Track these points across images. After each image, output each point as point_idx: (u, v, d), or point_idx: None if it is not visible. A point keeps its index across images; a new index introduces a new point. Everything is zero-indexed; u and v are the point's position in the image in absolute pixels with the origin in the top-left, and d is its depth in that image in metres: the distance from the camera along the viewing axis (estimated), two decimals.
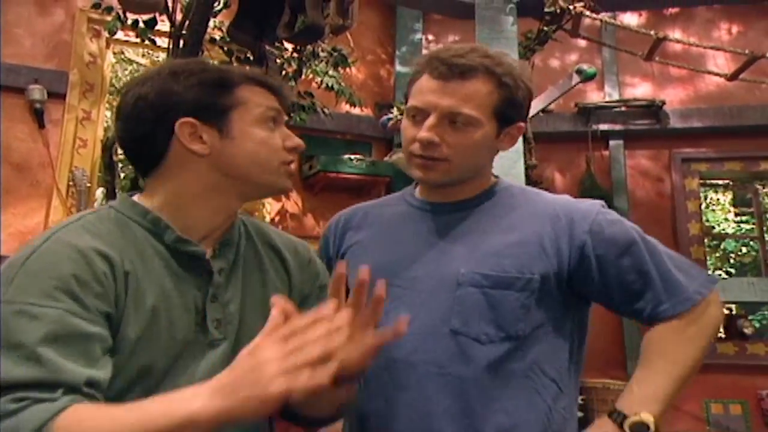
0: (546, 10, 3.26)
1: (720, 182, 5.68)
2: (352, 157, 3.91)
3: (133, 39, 3.51)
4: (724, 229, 7.18)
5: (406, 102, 1.18)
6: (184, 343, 0.91)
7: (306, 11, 2.02)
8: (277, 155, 0.99)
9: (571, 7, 3.20)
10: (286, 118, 1.05)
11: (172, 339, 0.90)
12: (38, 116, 3.42)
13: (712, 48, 3.75)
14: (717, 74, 3.69)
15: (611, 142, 4.37)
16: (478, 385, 1.05)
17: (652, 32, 3.33)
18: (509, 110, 1.13)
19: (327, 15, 2.12)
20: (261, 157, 0.98)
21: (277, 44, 2.79)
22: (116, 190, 3.62)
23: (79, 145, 3.50)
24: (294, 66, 3.32)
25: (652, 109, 4.26)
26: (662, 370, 1.08)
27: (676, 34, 4.13)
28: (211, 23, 2.86)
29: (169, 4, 2.87)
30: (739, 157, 4.30)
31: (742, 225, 7.16)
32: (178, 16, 2.90)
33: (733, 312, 4.82)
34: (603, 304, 1.16)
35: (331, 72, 3.48)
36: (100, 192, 3.65)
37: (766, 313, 6.46)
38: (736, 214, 7.26)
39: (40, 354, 0.75)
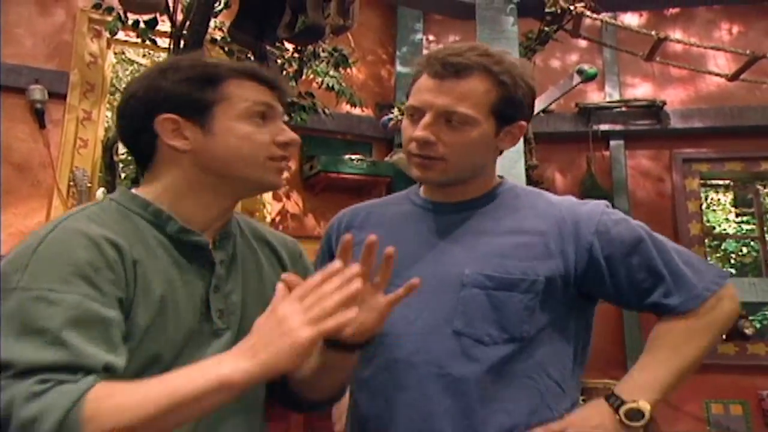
0: (547, 10, 3.26)
1: (721, 182, 5.69)
2: (353, 157, 3.91)
3: (134, 39, 3.51)
4: (724, 230, 7.18)
5: None
6: (190, 333, 0.92)
7: (307, 11, 2.02)
8: (263, 150, 0.98)
9: (571, 7, 3.20)
10: (282, 111, 1.03)
11: (179, 328, 0.91)
12: (39, 116, 3.42)
13: (712, 48, 3.75)
14: (718, 74, 3.69)
15: (612, 143, 4.37)
16: (480, 385, 1.05)
17: (652, 32, 3.33)
18: (508, 109, 1.12)
19: (327, 15, 2.12)
20: (243, 152, 0.97)
21: (277, 44, 2.80)
22: None
23: (79, 145, 3.50)
24: (295, 66, 3.32)
25: (653, 110, 4.25)
26: (665, 360, 1.08)
27: (676, 34, 4.12)
28: (211, 23, 2.86)
29: (170, 5, 2.88)
30: (739, 157, 4.29)
31: (743, 225, 7.15)
32: (179, 17, 2.90)
33: None
34: (614, 302, 1.16)
35: (331, 72, 3.49)
36: (100, 192, 3.65)
37: (766, 313, 6.46)
38: (737, 215, 7.26)
39: (63, 338, 0.76)
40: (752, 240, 6.49)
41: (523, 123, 1.16)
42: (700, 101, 4.36)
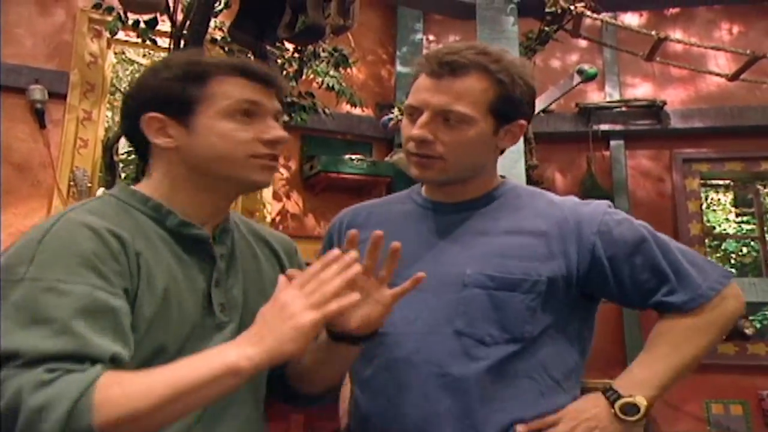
0: (547, 10, 3.26)
1: (721, 182, 5.69)
2: (353, 157, 3.91)
3: (134, 39, 3.51)
4: (724, 230, 7.18)
5: None
6: (193, 326, 0.93)
7: (307, 11, 2.02)
8: (245, 148, 0.97)
9: (572, 7, 3.20)
10: (273, 107, 1.01)
11: (183, 320, 0.92)
12: (39, 116, 3.42)
13: (713, 48, 3.75)
14: (718, 74, 3.69)
15: (612, 143, 4.36)
16: (480, 385, 1.05)
17: (653, 32, 3.33)
18: (506, 107, 1.12)
19: (328, 15, 2.12)
20: (224, 150, 0.97)
21: (277, 44, 2.79)
22: None
23: (79, 145, 3.50)
24: (295, 66, 3.32)
25: (653, 110, 4.25)
26: (665, 356, 1.09)
27: (677, 34, 4.12)
28: (212, 23, 2.86)
29: (170, 4, 2.87)
30: (740, 157, 4.29)
31: (743, 225, 7.14)
32: (179, 16, 2.90)
33: None
34: (618, 302, 1.17)
35: (331, 72, 3.48)
36: (100, 192, 3.66)
37: (766, 313, 6.45)
38: (737, 215, 7.25)
39: (72, 327, 0.77)
40: (752, 240, 6.49)
41: (523, 122, 1.16)
42: (700, 101, 4.36)
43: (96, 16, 3.49)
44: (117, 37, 3.38)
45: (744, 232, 7.08)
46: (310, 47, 3.26)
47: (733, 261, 7.09)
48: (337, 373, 1.10)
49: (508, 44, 3.00)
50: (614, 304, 1.19)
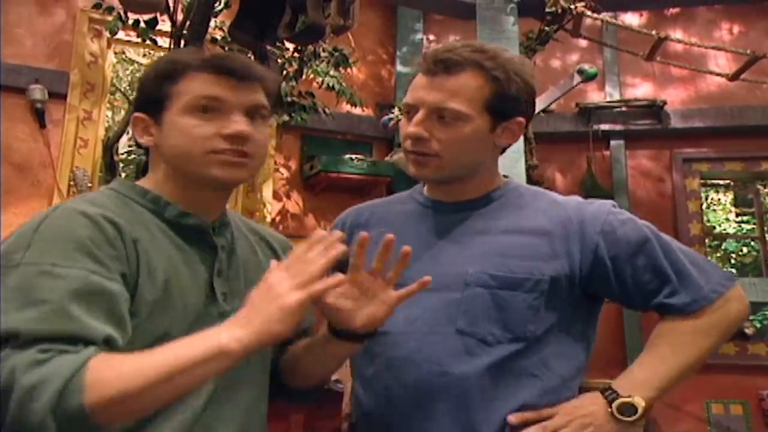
0: (547, 10, 3.26)
1: (721, 182, 5.68)
2: (353, 157, 3.91)
3: (135, 39, 3.51)
4: (725, 230, 7.18)
5: None
6: (196, 314, 0.94)
7: (307, 11, 2.02)
8: (203, 144, 0.96)
9: (572, 7, 3.20)
10: (242, 102, 0.99)
11: (185, 308, 0.93)
12: (39, 116, 3.43)
13: (713, 48, 3.75)
14: (718, 74, 3.70)
15: (612, 142, 4.37)
16: (481, 385, 1.05)
17: (653, 32, 3.33)
18: (502, 105, 1.11)
19: (328, 15, 2.12)
20: (183, 147, 0.97)
21: (278, 44, 2.79)
22: None
23: (80, 145, 3.50)
24: (295, 66, 3.33)
25: (653, 109, 4.25)
26: (666, 358, 1.08)
27: (677, 34, 4.12)
28: (212, 23, 2.86)
29: (170, 4, 2.87)
30: (740, 157, 4.29)
31: (743, 225, 7.14)
32: (179, 16, 2.90)
33: None
34: (620, 303, 1.16)
35: (332, 72, 3.49)
36: None
37: (767, 313, 6.45)
38: (737, 215, 7.25)
39: (66, 310, 0.78)
40: (752, 240, 6.49)
41: (521, 119, 1.15)
42: (700, 101, 4.36)
43: (96, 15, 3.49)
44: (117, 36, 3.39)
45: (744, 232, 7.08)
46: (310, 47, 3.26)
47: (733, 261, 7.09)
48: (332, 370, 1.12)
49: (508, 44, 3.00)
50: (617, 304, 1.19)
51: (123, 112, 5.04)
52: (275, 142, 3.83)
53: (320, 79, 3.47)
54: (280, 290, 0.80)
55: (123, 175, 4.43)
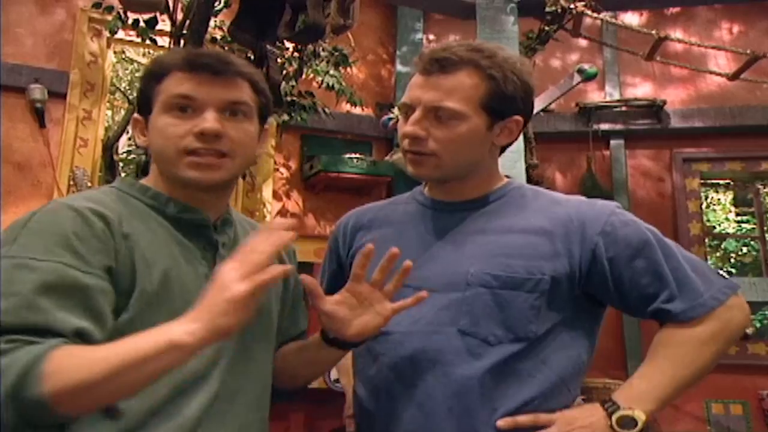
0: (547, 9, 3.26)
1: (721, 182, 5.68)
2: (353, 156, 3.91)
3: (134, 39, 3.51)
4: (724, 229, 7.17)
5: None
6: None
7: (307, 10, 2.02)
8: (176, 143, 0.96)
9: (572, 6, 3.20)
10: (218, 97, 0.97)
11: (186, 303, 0.92)
12: (39, 116, 3.42)
13: (713, 48, 3.75)
14: (718, 74, 3.70)
15: (612, 142, 4.36)
16: (483, 385, 1.04)
17: (653, 32, 3.33)
18: (499, 103, 1.11)
19: (328, 14, 2.12)
20: (160, 146, 0.98)
21: (278, 44, 2.79)
22: None
23: (79, 144, 3.50)
24: (295, 65, 3.32)
25: (653, 109, 4.25)
26: (666, 370, 1.07)
27: (677, 33, 4.12)
28: (211, 22, 2.86)
29: (170, 4, 2.88)
30: (740, 157, 4.29)
31: (743, 225, 7.14)
32: (179, 16, 2.90)
33: None
34: (619, 307, 1.14)
35: (331, 71, 3.48)
36: None
37: (766, 312, 6.45)
38: (737, 214, 7.25)
39: (35, 302, 0.79)
40: (752, 240, 6.49)
41: (519, 118, 1.14)
42: (700, 101, 4.36)
43: (96, 15, 3.49)
44: (117, 36, 3.39)
45: (744, 231, 7.08)
46: (310, 46, 3.26)
47: (732, 261, 7.09)
48: (318, 374, 1.16)
49: (508, 44, 3.00)
50: (618, 310, 1.16)
51: (123, 112, 5.04)
52: (275, 142, 3.83)
53: (320, 79, 3.47)
54: (226, 282, 0.79)
55: (123, 174, 4.43)
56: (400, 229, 1.21)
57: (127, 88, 5.50)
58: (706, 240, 4.58)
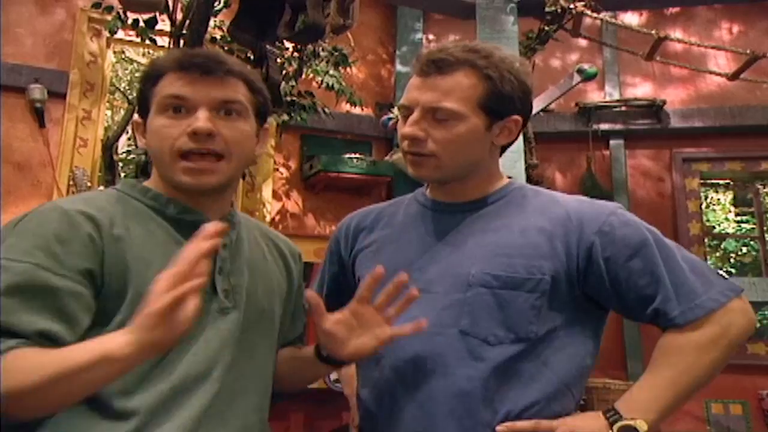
0: (547, 9, 3.26)
1: (721, 182, 5.68)
2: (353, 156, 3.91)
3: (134, 38, 3.50)
4: (724, 229, 7.17)
5: None
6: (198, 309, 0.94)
7: (307, 10, 2.02)
8: (170, 144, 0.95)
9: (572, 6, 3.20)
10: (210, 96, 0.96)
11: None
12: (39, 116, 3.42)
13: (713, 48, 3.75)
14: (718, 74, 3.70)
15: (612, 142, 4.36)
16: (484, 386, 1.04)
17: (653, 32, 3.33)
18: (497, 103, 1.11)
19: (328, 14, 2.12)
20: (155, 148, 0.98)
21: (277, 43, 2.79)
22: None
23: (79, 144, 3.50)
24: (294, 65, 3.32)
25: (653, 109, 4.25)
26: (667, 378, 1.05)
27: (677, 33, 4.12)
28: (211, 22, 2.86)
29: (170, 4, 2.87)
30: (739, 157, 4.29)
31: (743, 225, 7.14)
32: (179, 16, 2.90)
33: None
34: (616, 310, 1.13)
35: (331, 71, 3.48)
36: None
37: (766, 312, 6.45)
38: (737, 214, 7.25)
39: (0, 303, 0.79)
40: (752, 240, 6.49)
41: (517, 118, 1.14)
42: (700, 101, 4.36)
43: (96, 15, 3.49)
44: (117, 36, 3.39)
45: (744, 231, 7.08)
46: (310, 46, 3.25)
47: (732, 260, 7.09)
48: (307, 383, 1.18)
49: (508, 44, 3.00)
50: (617, 313, 1.14)
51: (122, 112, 5.04)
52: (275, 142, 3.83)
53: (320, 79, 3.47)
54: (152, 295, 0.77)
55: (122, 174, 4.43)
56: (402, 230, 1.21)
57: (127, 88, 5.50)
58: (706, 240, 4.59)
